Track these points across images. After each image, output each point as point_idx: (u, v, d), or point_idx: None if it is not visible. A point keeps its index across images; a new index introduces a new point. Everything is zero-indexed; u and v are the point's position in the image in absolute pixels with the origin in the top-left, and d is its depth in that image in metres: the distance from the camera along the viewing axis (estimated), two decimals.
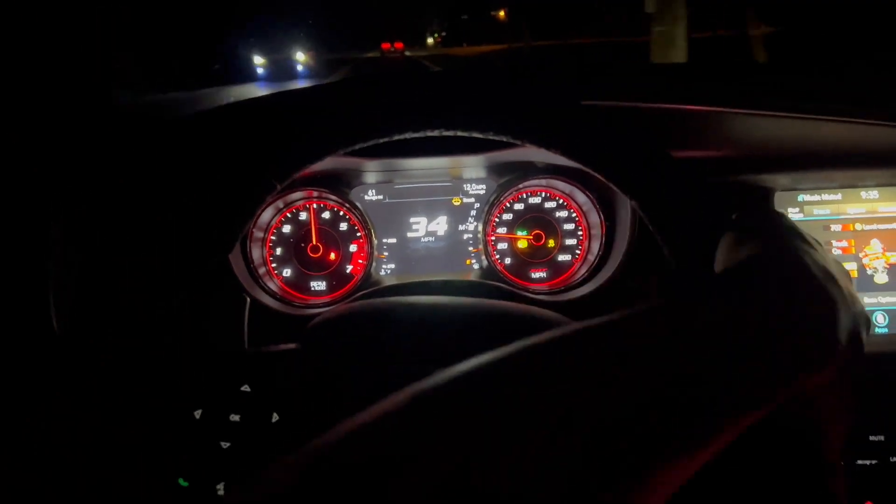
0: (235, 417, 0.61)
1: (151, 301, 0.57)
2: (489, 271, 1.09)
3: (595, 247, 1.07)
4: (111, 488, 0.51)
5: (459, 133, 0.56)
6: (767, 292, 0.39)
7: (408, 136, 0.57)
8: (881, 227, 1.01)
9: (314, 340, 0.66)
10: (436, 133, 0.56)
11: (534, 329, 0.65)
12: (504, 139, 0.57)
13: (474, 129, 0.56)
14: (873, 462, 0.93)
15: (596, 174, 0.57)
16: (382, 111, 0.57)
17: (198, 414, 0.60)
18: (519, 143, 0.57)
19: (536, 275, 1.11)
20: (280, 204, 1.08)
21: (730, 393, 0.33)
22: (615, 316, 0.36)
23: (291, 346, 0.65)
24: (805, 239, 0.48)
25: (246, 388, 0.62)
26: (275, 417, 0.61)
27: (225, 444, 0.60)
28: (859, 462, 0.93)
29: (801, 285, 0.40)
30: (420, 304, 0.68)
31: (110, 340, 0.53)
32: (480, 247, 1.09)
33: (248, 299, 0.65)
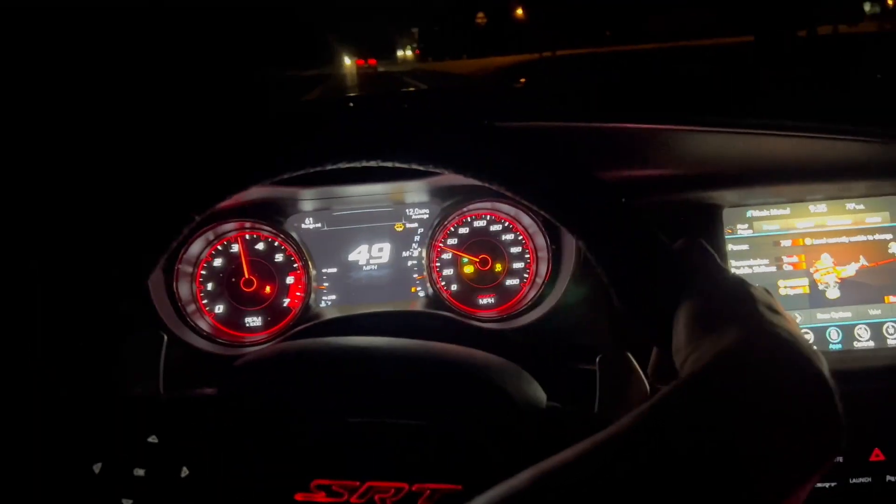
0: (140, 472, 0.55)
1: (53, 343, 0.52)
2: (435, 299, 1.04)
3: (542, 269, 1.03)
4: None
5: (384, 164, 0.52)
6: (770, 393, 0.36)
7: (335, 166, 0.54)
8: (830, 240, 0.99)
9: (234, 385, 0.60)
10: (358, 165, 0.53)
11: (476, 374, 0.61)
12: (427, 169, 0.53)
13: (398, 161, 0.52)
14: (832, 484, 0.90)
15: (522, 201, 0.53)
16: (307, 142, 0.53)
17: (97, 468, 0.54)
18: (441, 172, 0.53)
19: (484, 300, 1.06)
20: (210, 236, 1.01)
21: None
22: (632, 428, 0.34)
23: (209, 391, 0.59)
24: (762, 300, 0.45)
25: (153, 438, 0.55)
26: (184, 472, 0.55)
27: (127, 503, 0.54)
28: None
29: (794, 378, 0.37)
30: (351, 347, 0.62)
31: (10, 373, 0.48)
32: (425, 273, 1.05)
33: (165, 338, 0.59)
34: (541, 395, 0.60)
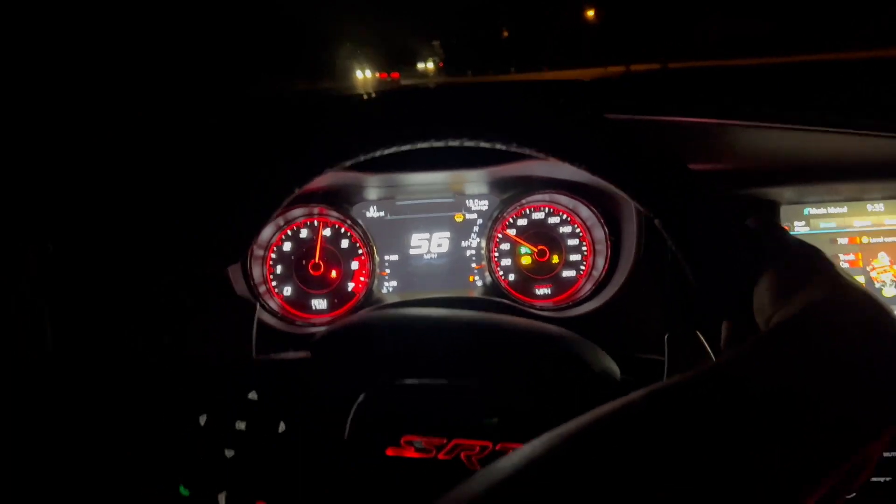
0: (241, 425, 0.59)
1: (163, 306, 0.55)
2: (493, 288, 1.08)
3: (600, 262, 1.06)
4: (111, 494, 0.49)
5: (483, 144, 0.55)
6: (851, 346, 0.36)
7: (435, 145, 0.56)
8: (888, 239, 1.00)
9: (325, 350, 0.64)
10: (457, 143, 0.55)
11: (557, 342, 0.64)
12: (529, 153, 0.56)
13: (500, 141, 0.55)
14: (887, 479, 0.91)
15: (620, 191, 0.55)
16: (412, 121, 0.56)
17: (202, 420, 0.58)
18: (542, 157, 0.56)
19: (541, 291, 1.09)
20: (280, 221, 1.06)
21: (818, 453, 0.32)
22: (686, 380, 0.35)
23: (302, 354, 0.63)
24: (839, 267, 0.46)
25: (253, 395, 0.59)
26: (282, 427, 0.59)
27: (229, 453, 0.58)
28: (873, 479, 0.91)
29: (874, 333, 0.38)
30: (434, 317, 0.66)
31: (110, 346, 0.52)
32: (484, 263, 1.08)
33: (258, 305, 0.63)
34: (615, 368, 0.63)
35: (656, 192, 0.55)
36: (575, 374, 0.60)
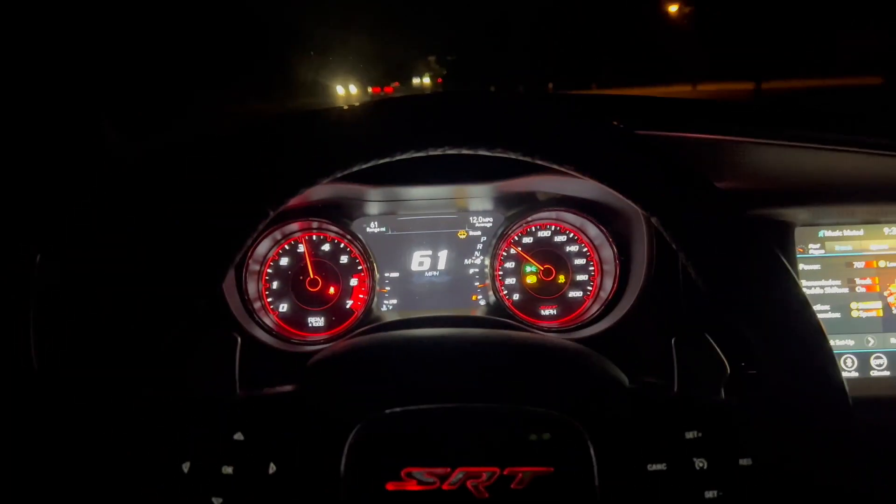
0: (228, 469, 0.54)
1: (140, 338, 0.51)
2: (497, 307, 1.04)
3: (608, 283, 1.02)
4: None
5: (512, 156, 0.52)
6: None
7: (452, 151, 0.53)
8: None
9: (313, 381, 0.60)
10: (485, 152, 0.52)
11: (558, 354, 0.61)
12: (565, 169, 0.53)
13: (539, 157, 0.52)
14: None
15: (642, 210, 0.53)
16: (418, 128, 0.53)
17: (186, 467, 0.53)
18: (574, 175, 0.53)
19: (546, 311, 1.06)
20: (278, 235, 1.03)
21: None
22: None
23: (288, 388, 0.58)
24: None
25: (239, 436, 0.55)
26: (272, 468, 0.54)
27: (217, 501, 0.53)
28: None
29: None
30: (427, 338, 0.62)
31: (89, 377, 0.48)
32: (487, 281, 1.04)
33: (239, 339, 0.59)
34: (622, 375, 0.59)
35: (671, 201, 0.52)
36: (582, 385, 0.57)
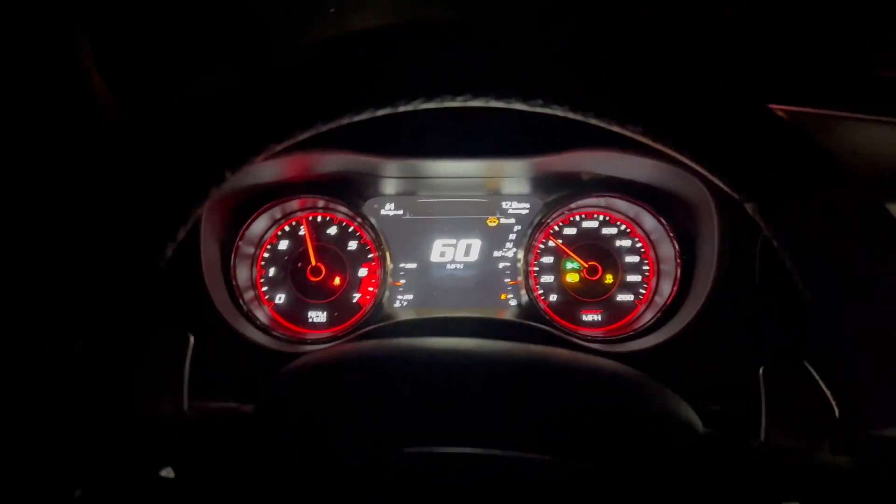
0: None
1: (59, 335, 0.38)
2: (529, 309, 0.88)
3: (665, 287, 0.85)
4: None
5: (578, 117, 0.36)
6: None
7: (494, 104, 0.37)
8: None
9: (279, 401, 0.45)
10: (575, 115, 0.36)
11: (608, 386, 0.46)
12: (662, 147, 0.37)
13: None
14: None
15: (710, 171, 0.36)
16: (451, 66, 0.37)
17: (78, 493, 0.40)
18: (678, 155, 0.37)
19: (589, 317, 0.89)
20: (277, 213, 0.88)
21: None
22: None
23: (246, 407, 0.44)
24: None
25: (168, 472, 0.41)
26: None
27: None
28: None
29: None
30: (433, 351, 0.46)
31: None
32: (520, 279, 0.88)
33: (192, 339, 0.45)
34: (694, 417, 0.43)
35: (780, 182, 0.36)
36: (639, 433, 0.41)
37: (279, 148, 0.37)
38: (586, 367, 0.46)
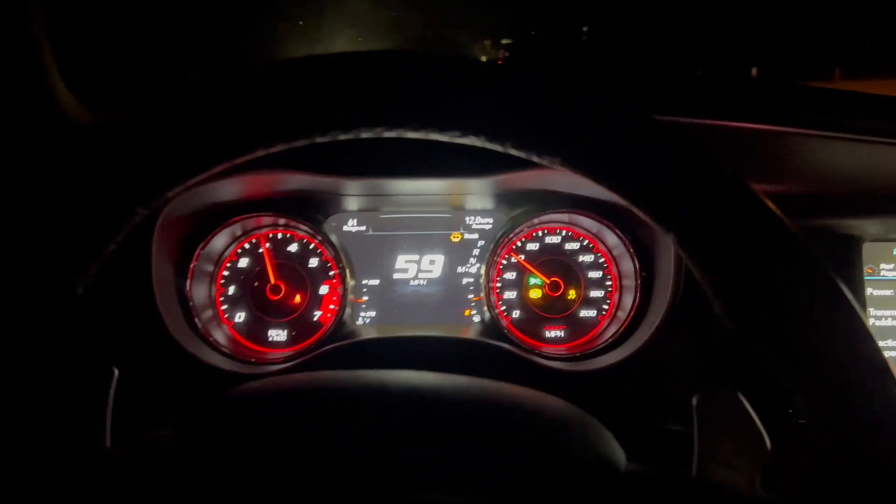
0: None
1: None
2: (492, 326, 0.87)
3: (627, 301, 0.85)
4: None
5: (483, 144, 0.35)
6: None
7: (371, 135, 0.36)
8: None
9: (204, 433, 0.43)
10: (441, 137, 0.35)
11: (534, 423, 0.44)
12: (547, 163, 0.35)
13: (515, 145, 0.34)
14: None
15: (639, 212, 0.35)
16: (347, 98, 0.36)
17: None
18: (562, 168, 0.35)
19: (552, 333, 0.89)
20: (238, 230, 0.87)
21: None
22: None
23: (170, 440, 0.42)
24: None
25: None
26: None
27: None
28: None
29: None
30: (390, 385, 0.45)
31: None
32: (482, 295, 0.88)
33: (116, 373, 0.43)
34: (618, 452, 0.42)
35: (689, 210, 0.35)
36: (561, 469, 0.39)
37: (195, 181, 0.36)
38: (505, 404, 0.45)
